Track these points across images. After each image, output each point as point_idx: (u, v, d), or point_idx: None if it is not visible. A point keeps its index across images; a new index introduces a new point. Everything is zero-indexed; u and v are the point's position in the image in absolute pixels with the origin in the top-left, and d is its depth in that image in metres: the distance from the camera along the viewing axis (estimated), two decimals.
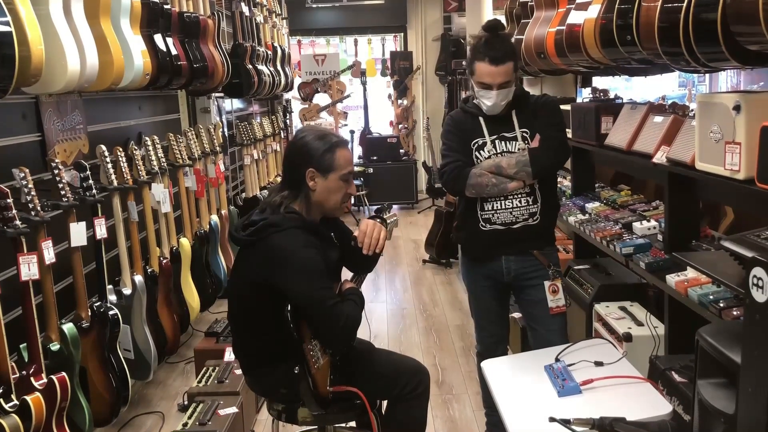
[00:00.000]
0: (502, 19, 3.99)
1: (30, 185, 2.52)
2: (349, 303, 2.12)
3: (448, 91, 8.36)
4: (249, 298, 2.16)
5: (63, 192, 2.76)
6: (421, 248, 6.50)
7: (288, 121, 7.73)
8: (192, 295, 4.03)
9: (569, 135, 3.36)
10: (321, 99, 9.12)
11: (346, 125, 9.10)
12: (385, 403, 2.37)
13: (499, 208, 2.57)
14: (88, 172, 3.00)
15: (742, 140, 1.95)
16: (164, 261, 3.70)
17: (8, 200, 2.33)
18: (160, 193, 3.66)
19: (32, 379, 2.38)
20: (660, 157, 2.50)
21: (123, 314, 3.12)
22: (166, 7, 3.58)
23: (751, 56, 1.82)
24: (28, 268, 2.38)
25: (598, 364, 2.13)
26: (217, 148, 4.76)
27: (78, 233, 2.83)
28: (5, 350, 2.23)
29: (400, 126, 9.28)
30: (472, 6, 6.67)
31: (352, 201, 7.87)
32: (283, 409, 2.26)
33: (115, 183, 3.25)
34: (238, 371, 3.16)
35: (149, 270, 3.56)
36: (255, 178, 5.80)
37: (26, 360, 2.45)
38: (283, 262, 2.04)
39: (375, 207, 2.97)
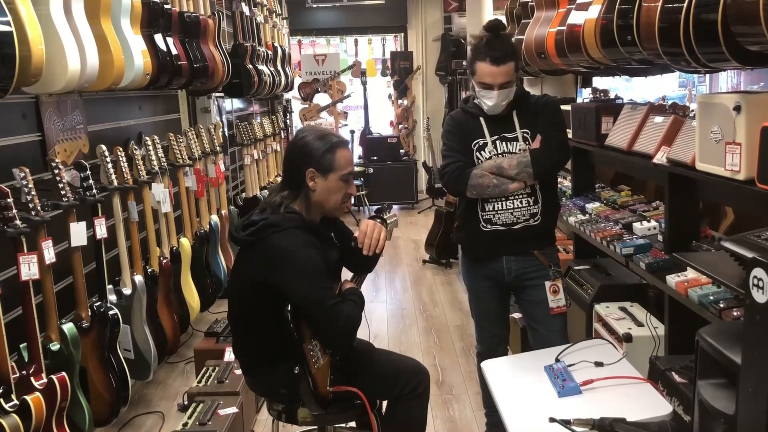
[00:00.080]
0: (503, 19, 3.99)
1: (30, 185, 2.52)
2: (349, 303, 2.12)
3: (448, 92, 8.36)
4: (249, 298, 2.16)
5: (63, 192, 2.76)
6: (421, 248, 6.50)
7: (288, 121, 7.73)
8: (192, 295, 4.03)
9: (569, 135, 3.36)
10: (321, 99, 9.12)
11: (346, 125, 9.11)
12: (385, 403, 2.37)
13: (500, 208, 2.57)
14: (89, 172, 3.00)
15: (743, 141, 1.95)
16: (164, 261, 3.70)
17: (8, 200, 2.33)
18: (160, 192, 3.66)
19: (32, 378, 2.38)
20: (660, 158, 2.50)
21: (123, 314, 3.12)
22: (166, 6, 3.58)
23: (751, 56, 1.82)
24: (29, 268, 2.38)
25: (598, 364, 2.13)
26: (218, 148, 4.76)
27: (78, 233, 2.83)
28: (5, 350, 2.23)
29: (400, 126, 9.29)
30: (473, 6, 6.66)
31: (352, 201, 7.87)
32: (283, 409, 2.26)
33: (116, 183, 3.25)
34: (238, 371, 3.16)
35: (149, 270, 3.56)
36: (255, 178, 5.80)
37: (26, 360, 2.45)
38: (283, 262, 2.04)
39: (375, 207, 2.97)
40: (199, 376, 3.24)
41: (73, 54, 2.54)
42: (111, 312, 3.03)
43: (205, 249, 4.38)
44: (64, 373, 2.48)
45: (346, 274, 2.36)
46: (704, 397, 1.47)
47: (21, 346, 2.48)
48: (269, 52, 6.08)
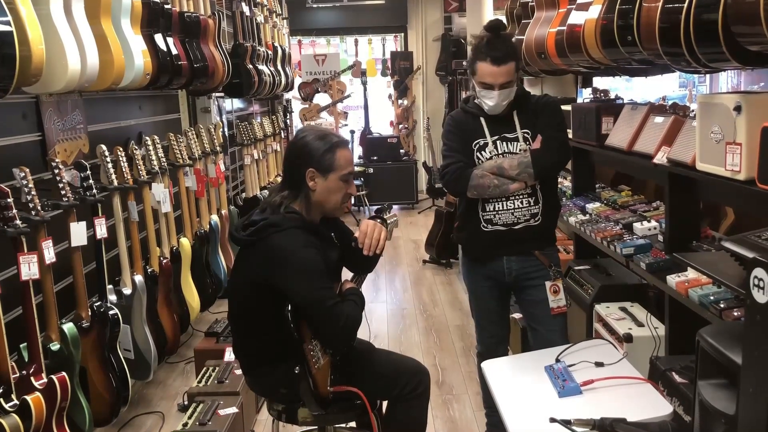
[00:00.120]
0: (503, 19, 3.99)
1: (30, 185, 2.51)
2: (349, 303, 2.12)
3: (448, 92, 8.36)
4: (249, 298, 2.16)
5: (63, 192, 2.76)
6: (421, 248, 6.50)
7: (288, 121, 7.73)
8: (192, 295, 4.03)
9: (570, 135, 3.36)
10: (321, 99, 9.12)
11: (346, 125, 9.11)
12: (385, 403, 2.37)
13: (500, 208, 2.57)
14: (89, 172, 3.00)
15: (743, 141, 1.95)
16: (164, 261, 3.70)
17: (8, 200, 2.33)
18: (160, 192, 3.66)
19: (32, 378, 2.38)
20: (660, 158, 2.50)
21: (123, 314, 3.12)
22: (166, 6, 3.58)
23: (751, 57, 1.82)
24: (29, 268, 2.38)
25: (599, 364, 2.13)
26: (218, 148, 4.76)
27: (78, 233, 2.83)
28: (5, 350, 2.23)
29: (400, 126, 9.29)
30: (473, 6, 6.66)
31: (353, 201, 7.87)
32: (283, 409, 2.26)
33: (116, 183, 3.25)
34: (238, 371, 3.16)
35: (149, 270, 3.56)
36: (255, 178, 5.80)
37: (26, 360, 2.45)
38: (283, 261, 2.04)
39: (375, 207, 2.96)
40: (199, 376, 3.24)
41: (73, 54, 2.54)
42: (111, 312, 3.03)
43: (205, 249, 4.38)
44: (64, 373, 2.48)
45: (347, 274, 2.36)
46: (705, 397, 1.47)
47: (21, 345, 2.48)
48: (269, 52, 6.08)
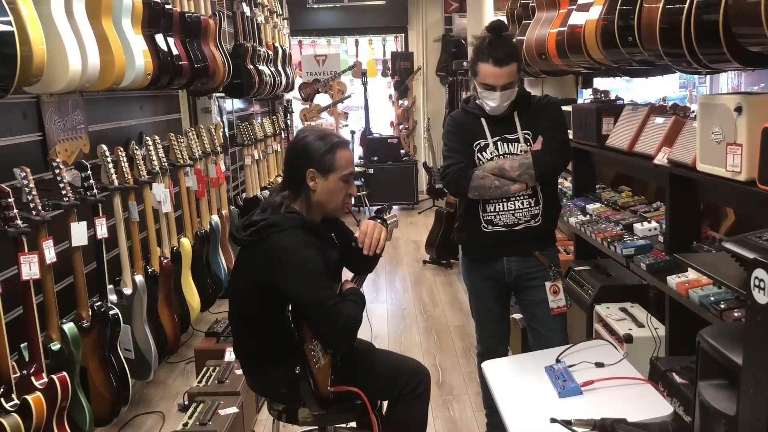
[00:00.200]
0: (503, 19, 3.99)
1: (31, 185, 2.52)
2: (349, 303, 2.12)
3: (448, 92, 8.36)
4: (250, 298, 2.16)
5: (64, 192, 2.76)
6: (421, 249, 6.50)
7: (289, 121, 7.73)
8: (192, 295, 4.03)
9: (570, 136, 3.37)
10: (322, 99, 9.12)
11: (346, 126, 9.11)
12: (385, 403, 2.37)
13: (501, 209, 2.57)
14: (89, 172, 3.00)
15: (744, 142, 1.95)
16: (165, 261, 3.70)
17: (9, 200, 2.33)
18: (160, 192, 3.66)
19: (33, 378, 2.38)
20: (661, 159, 2.50)
21: (123, 314, 3.12)
22: (167, 7, 3.58)
23: (752, 57, 1.82)
24: (29, 268, 2.38)
25: (599, 365, 2.13)
26: (218, 148, 4.76)
27: (79, 233, 2.83)
28: (6, 349, 2.24)
29: (400, 126, 9.29)
30: (473, 7, 6.66)
31: (353, 201, 7.86)
32: (283, 409, 2.26)
33: (116, 183, 3.25)
34: (239, 371, 3.16)
35: (150, 270, 3.56)
36: (255, 178, 5.80)
37: (27, 359, 2.45)
38: (284, 261, 2.05)
39: (375, 208, 2.97)
40: (200, 376, 3.24)
41: (74, 54, 2.55)
42: (111, 312, 3.03)
43: (206, 249, 4.38)
44: (64, 373, 2.48)
45: (347, 275, 2.37)
46: (705, 397, 1.47)
47: (22, 345, 2.48)
48: (270, 53, 6.09)
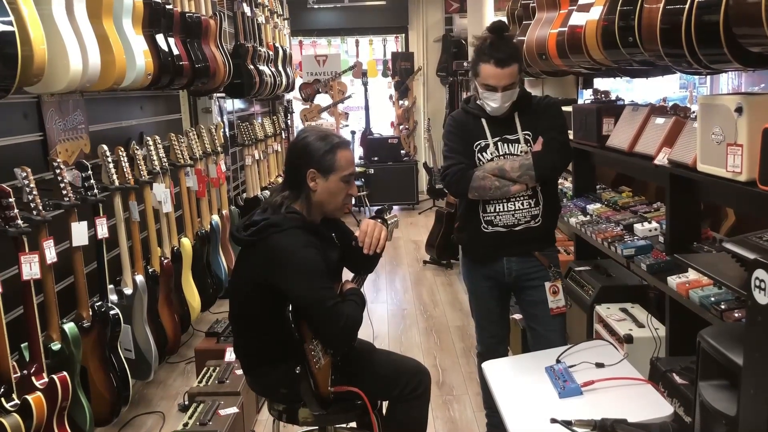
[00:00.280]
0: (504, 20, 3.99)
1: (32, 185, 2.52)
2: (349, 303, 2.12)
3: (449, 92, 8.36)
4: (250, 298, 2.16)
5: (64, 191, 2.76)
6: (421, 249, 6.50)
7: (289, 121, 7.74)
8: (193, 295, 4.03)
9: (571, 136, 3.37)
10: (322, 99, 9.12)
11: (347, 126, 9.11)
12: (385, 403, 2.37)
13: (501, 210, 2.58)
14: (90, 172, 3.00)
15: (744, 142, 1.95)
16: (165, 261, 3.70)
17: (10, 199, 2.33)
18: (161, 192, 3.66)
19: (33, 378, 2.38)
20: (661, 159, 2.50)
21: (124, 314, 3.12)
22: (168, 7, 3.58)
23: (752, 58, 1.82)
24: (30, 268, 2.38)
25: (599, 365, 2.13)
26: (219, 149, 4.77)
27: (79, 233, 2.83)
28: (6, 349, 2.24)
29: (401, 127, 9.29)
30: (474, 7, 6.66)
31: (353, 202, 7.87)
32: (283, 409, 2.26)
33: (117, 183, 3.25)
34: (239, 371, 3.16)
35: (150, 270, 3.56)
36: (256, 179, 5.80)
37: (27, 359, 2.45)
38: (284, 262, 2.05)
39: (376, 208, 2.97)
40: (200, 376, 3.24)
41: (75, 54, 2.55)
42: (112, 312, 3.03)
43: (206, 249, 4.38)
44: (65, 373, 2.48)
45: (347, 275, 2.37)
46: (705, 398, 1.47)
47: (22, 345, 2.48)
48: (270, 53, 6.09)
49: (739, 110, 1.96)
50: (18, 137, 2.87)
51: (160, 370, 3.87)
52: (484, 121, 2.59)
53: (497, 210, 2.58)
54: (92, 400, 2.86)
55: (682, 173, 2.37)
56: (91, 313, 2.94)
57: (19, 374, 2.34)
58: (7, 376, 2.26)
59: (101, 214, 3.01)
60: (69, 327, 2.69)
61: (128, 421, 3.35)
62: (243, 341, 2.27)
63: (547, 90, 4.85)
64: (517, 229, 2.58)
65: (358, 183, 7.87)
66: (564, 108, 2.98)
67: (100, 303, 3.04)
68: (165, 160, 3.81)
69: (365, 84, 8.92)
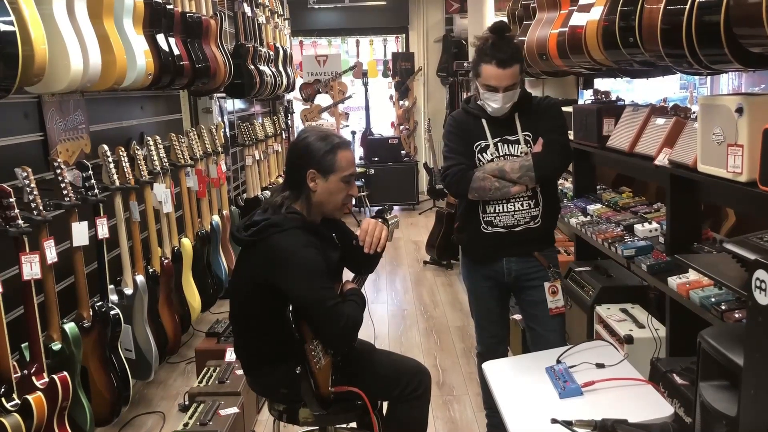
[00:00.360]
0: (505, 20, 3.99)
1: (32, 185, 2.52)
2: (350, 303, 2.12)
3: (449, 93, 8.37)
4: (250, 298, 2.16)
5: (65, 191, 2.76)
6: (421, 249, 6.50)
7: (289, 121, 7.74)
8: (193, 295, 4.03)
9: (571, 137, 3.37)
10: (322, 100, 9.13)
11: (347, 126, 9.11)
12: (386, 404, 2.37)
13: (501, 211, 2.58)
14: (90, 172, 3.00)
15: (745, 143, 1.95)
16: (166, 261, 3.70)
17: (11, 199, 2.33)
18: (161, 193, 3.66)
19: (34, 378, 2.38)
20: (662, 159, 2.50)
21: (124, 314, 3.12)
22: (168, 7, 3.58)
23: (753, 58, 1.82)
24: (30, 268, 2.38)
25: (600, 366, 2.13)
26: (219, 149, 4.77)
27: (80, 233, 2.83)
28: (7, 349, 2.24)
29: (401, 127, 9.29)
30: (474, 7, 6.66)
31: (353, 202, 7.87)
32: (284, 409, 2.26)
33: (117, 183, 3.25)
34: (239, 371, 3.16)
35: (151, 270, 3.56)
36: (256, 179, 5.80)
37: (28, 359, 2.45)
38: (284, 262, 2.05)
39: (376, 208, 2.97)
40: (200, 376, 3.24)
41: (75, 54, 2.55)
42: (112, 312, 3.03)
43: (207, 249, 4.38)
44: (65, 373, 2.48)
45: (348, 275, 2.37)
46: (706, 398, 1.47)
47: (23, 345, 2.48)
48: (271, 53, 6.09)
49: (739, 111, 1.96)
50: (19, 137, 2.88)
51: (161, 370, 3.87)
52: (484, 121, 2.59)
53: (497, 211, 2.58)
54: (92, 400, 2.86)
55: (682, 174, 2.37)
56: (91, 313, 2.94)
57: (19, 374, 2.35)
58: (7, 376, 2.26)
59: (102, 214, 3.01)
60: (69, 327, 2.69)
61: (128, 421, 3.35)
62: (243, 341, 2.27)
63: (547, 90, 4.85)
64: (516, 229, 2.59)
65: (358, 183, 7.87)
66: (564, 108, 2.98)
67: (100, 303, 3.04)
68: (165, 160, 3.81)
69: (365, 84, 8.92)
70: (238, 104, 6.24)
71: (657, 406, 1.90)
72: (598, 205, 3.35)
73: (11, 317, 2.56)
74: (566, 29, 3.15)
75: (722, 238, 2.59)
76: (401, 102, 9.32)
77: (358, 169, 7.96)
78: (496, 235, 2.60)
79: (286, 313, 2.05)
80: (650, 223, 2.87)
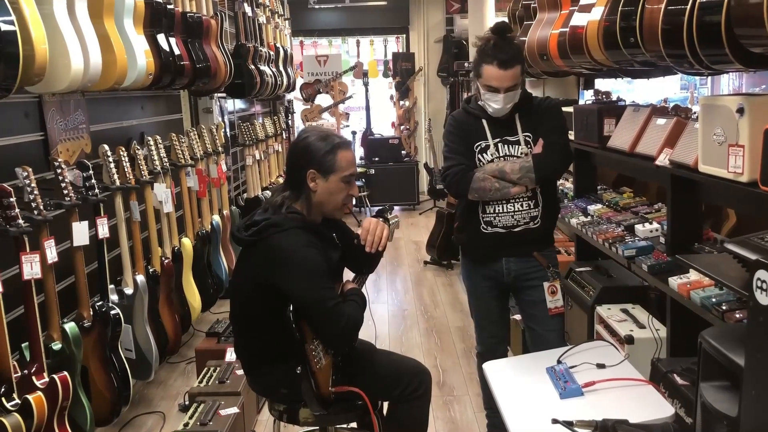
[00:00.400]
0: (505, 20, 3.99)
1: (33, 184, 2.52)
2: (350, 303, 2.12)
3: (449, 93, 8.37)
4: (251, 298, 2.16)
5: (66, 191, 2.76)
6: (422, 249, 6.50)
7: (290, 121, 7.74)
8: (193, 295, 4.03)
9: (571, 137, 3.36)
10: (323, 100, 9.13)
11: (347, 126, 9.11)
12: (386, 404, 2.37)
13: (501, 211, 2.58)
14: (91, 172, 3.00)
15: (746, 143, 1.95)
16: (166, 261, 3.70)
17: (11, 199, 2.33)
18: (162, 192, 3.66)
19: (34, 378, 2.38)
20: (663, 160, 2.50)
21: (124, 314, 3.12)
22: (169, 7, 3.58)
23: (754, 59, 1.82)
24: (31, 267, 2.38)
25: (600, 366, 2.13)
26: (219, 149, 4.77)
27: (80, 232, 2.83)
28: (7, 349, 2.24)
29: (401, 127, 9.29)
30: (475, 8, 6.67)
31: (354, 202, 7.86)
32: (284, 409, 2.26)
33: (118, 183, 3.25)
34: (240, 371, 3.16)
35: (151, 270, 3.56)
36: (257, 179, 5.80)
37: (28, 359, 2.45)
38: (284, 262, 2.04)
39: (376, 208, 2.97)
40: (200, 376, 3.24)
41: (76, 53, 2.55)
42: (113, 311, 3.03)
43: (207, 249, 4.38)
44: (65, 373, 2.48)
45: (348, 275, 2.37)
46: (707, 399, 1.47)
47: (23, 345, 2.48)
48: (271, 53, 6.09)
49: (740, 111, 1.96)
50: (19, 137, 2.88)
51: (161, 370, 3.87)
52: (484, 121, 2.59)
53: (496, 211, 2.58)
54: (93, 400, 2.86)
55: (683, 174, 2.37)
56: (91, 313, 2.94)
57: (19, 374, 2.35)
58: (7, 376, 2.26)
59: (102, 214, 3.01)
60: (70, 327, 2.69)
61: (129, 421, 3.35)
62: (244, 341, 2.27)
63: (548, 90, 4.85)
64: (516, 230, 2.59)
65: (358, 183, 7.87)
66: (565, 109, 2.98)
67: (100, 303, 3.03)
68: (166, 160, 3.81)
69: (366, 84, 8.92)
70: (238, 104, 6.24)
71: (658, 407, 1.90)
72: (599, 206, 3.35)
73: (11, 317, 2.56)
74: (567, 29, 3.15)
75: (723, 238, 2.59)
76: (402, 102, 9.32)
77: (359, 169, 7.96)
78: (495, 235, 2.60)
79: (286, 313, 2.05)
80: (651, 223, 2.86)
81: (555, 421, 1.66)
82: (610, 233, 2.92)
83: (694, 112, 2.55)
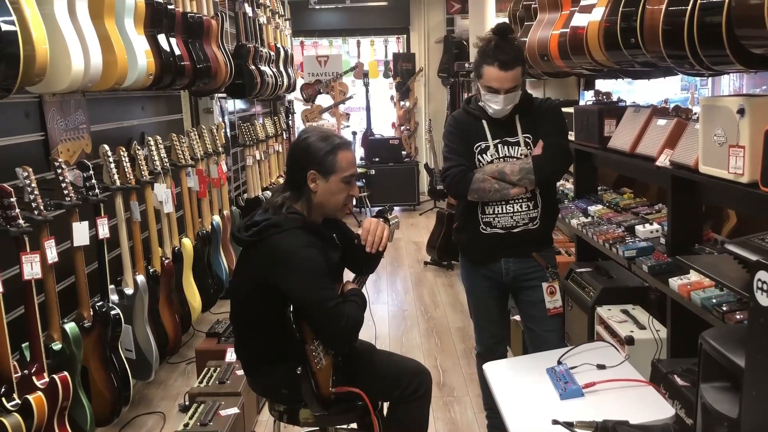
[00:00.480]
0: (505, 21, 3.99)
1: (33, 184, 2.52)
2: (350, 304, 2.12)
3: (450, 93, 8.36)
4: (251, 299, 2.16)
5: (66, 191, 2.76)
6: (422, 250, 6.50)
7: (290, 122, 7.74)
8: (194, 296, 4.03)
9: (572, 138, 3.36)
10: (323, 100, 9.13)
11: (348, 126, 9.11)
12: (386, 404, 2.37)
13: (500, 212, 2.58)
14: (91, 172, 3.00)
15: (746, 144, 1.95)
16: (166, 261, 3.70)
17: (11, 199, 2.33)
18: (162, 193, 3.66)
19: (34, 378, 2.38)
20: (663, 161, 2.50)
21: (125, 314, 3.12)
22: (170, 7, 3.59)
23: (755, 60, 1.82)
24: (31, 267, 2.38)
25: (601, 367, 2.12)
26: (220, 149, 4.77)
27: (80, 233, 2.83)
28: (7, 349, 2.24)
29: (402, 127, 9.29)
30: (475, 8, 6.67)
31: (354, 202, 7.86)
32: (284, 410, 2.26)
33: (118, 183, 3.25)
34: (240, 372, 3.16)
35: (151, 270, 3.56)
36: (257, 179, 5.80)
37: (28, 359, 2.45)
38: (284, 262, 2.04)
39: (377, 209, 2.97)
40: (201, 377, 3.24)
41: (76, 54, 2.55)
42: (113, 312, 3.03)
43: (207, 249, 4.38)
44: (65, 373, 2.48)
45: (349, 276, 2.37)
46: (707, 400, 1.47)
47: (23, 345, 2.48)
48: (272, 53, 6.09)
49: (741, 112, 1.96)
50: (19, 137, 2.88)
51: (161, 370, 3.87)
52: (484, 122, 2.59)
53: (496, 212, 2.58)
54: (93, 400, 2.86)
55: (683, 175, 2.36)
56: (92, 313, 2.94)
57: (19, 374, 2.35)
58: (7, 376, 2.26)
59: (102, 214, 3.01)
60: (70, 327, 2.69)
61: (129, 422, 3.35)
62: (244, 341, 2.27)
63: (548, 91, 4.85)
64: (515, 230, 2.59)
65: (359, 184, 7.86)
66: (565, 109, 2.97)
67: (101, 303, 3.04)
68: (166, 160, 3.81)
69: (366, 85, 8.92)
70: (238, 104, 6.24)
71: (658, 408, 1.90)
72: (599, 206, 3.35)
73: (12, 317, 2.56)
74: (567, 30, 3.15)
75: (723, 239, 2.59)
76: (402, 102, 9.32)
77: (359, 170, 7.95)
78: (494, 235, 2.60)
79: (286, 313, 2.05)
80: (651, 224, 2.86)
81: (555, 422, 1.66)
82: (610, 234, 2.92)
83: (695, 113, 2.55)
